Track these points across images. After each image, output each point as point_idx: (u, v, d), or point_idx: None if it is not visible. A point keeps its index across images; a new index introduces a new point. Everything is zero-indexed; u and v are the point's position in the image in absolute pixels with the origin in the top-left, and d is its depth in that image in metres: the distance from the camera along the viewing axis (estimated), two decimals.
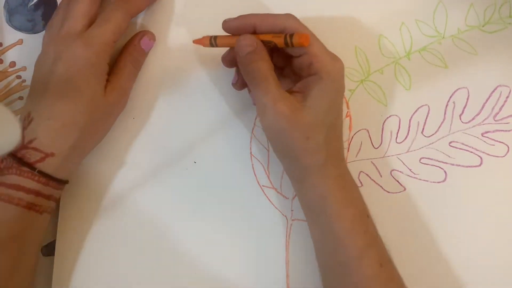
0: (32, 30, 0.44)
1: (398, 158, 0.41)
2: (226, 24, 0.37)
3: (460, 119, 0.41)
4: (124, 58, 0.39)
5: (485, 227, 0.40)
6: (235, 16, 0.37)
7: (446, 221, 0.40)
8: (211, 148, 0.42)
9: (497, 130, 0.41)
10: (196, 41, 0.39)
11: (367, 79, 0.42)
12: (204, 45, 0.39)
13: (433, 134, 0.41)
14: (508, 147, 0.41)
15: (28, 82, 0.43)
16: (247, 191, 0.41)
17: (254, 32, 0.36)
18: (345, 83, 0.42)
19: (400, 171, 0.41)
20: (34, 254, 0.38)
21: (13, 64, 0.43)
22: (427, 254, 0.40)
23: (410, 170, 0.41)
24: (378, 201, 0.41)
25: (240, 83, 0.39)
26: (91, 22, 0.38)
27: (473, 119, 0.41)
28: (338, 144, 0.37)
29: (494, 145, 0.41)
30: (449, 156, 0.41)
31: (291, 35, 0.34)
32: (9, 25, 0.44)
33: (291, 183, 0.37)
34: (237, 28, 0.37)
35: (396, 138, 0.42)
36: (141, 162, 0.42)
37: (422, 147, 0.41)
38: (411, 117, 0.42)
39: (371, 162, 0.41)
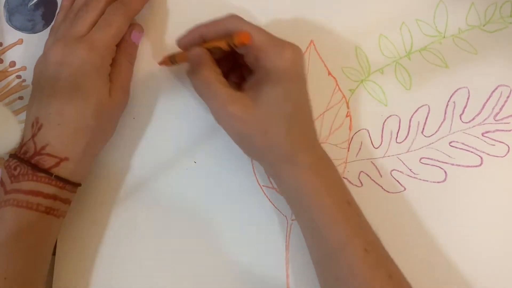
0: (32, 30, 0.44)
1: (398, 158, 0.41)
2: (178, 42, 0.39)
3: (461, 119, 0.41)
4: (120, 56, 0.40)
5: (486, 227, 0.40)
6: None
7: (446, 221, 0.40)
8: (211, 148, 0.42)
9: (497, 130, 0.41)
10: (161, 63, 0.41)
11: (367, 79, 0.42)
12: (168, 65, 0.40)
13: (433, 134, 0.41)
14: (508, 147, 0.41)
15: (28, 82, 0.43)
16: (247, 191, 0.41)
17: (205, 42, 0.37)
18: (345, 82, 0.42)
19: (400, 171, 0.41)
20: (49, 257, 0.38)
21: (13, 63, 0.43)
22: (427, 254, 0.40)
23: (410, 170, 0.41)
24: (378, 201, 0.41)
25: None
26: (93, 26, 0.38)
27: (473, 119, 0.41)
28: (306, 132, 0.36)
29: (494, 145, 0.41)
30: (449, 156, 0.41)
31: (232, 37, 0.34)
32: (9, 24, 0.44)
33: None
34: (188, 43, 0.38)
35: (396, 138, 0.41)
36: (141, 162, 0.42)
37: (422, 147, 0.41)
38: (411, 117, 0.41)
39: (371, 162, 0.41)
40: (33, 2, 0.44)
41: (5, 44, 0.44)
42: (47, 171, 0.35)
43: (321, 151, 0.36)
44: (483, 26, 0.42)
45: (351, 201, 0.35)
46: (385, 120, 0.42)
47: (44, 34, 0.43)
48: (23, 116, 0.42)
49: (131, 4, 0.39)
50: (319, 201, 0.34)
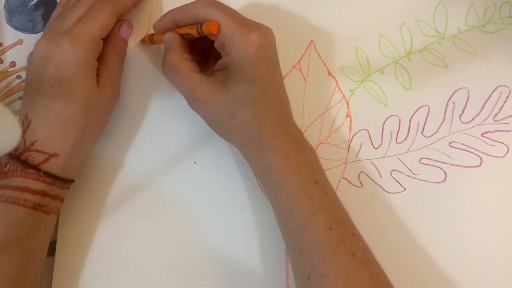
0: (32, 30, 0.44)
1: (398, 158, 0.41)
2: (154, 26, 0.39)
3: (460, 119, 0.41)
4: (109, 50, 0.39)
5: (485, 227, 0.40)
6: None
7: (446, 221, 0.40)
8: (211, 148, 0.42)
9: (497, 131, 0.41)
10: (141, 41, 0.42)
11: (368, 79, 0.42)
12: (147, 44, 0.42)
13: (433, 134, 0.41)
14: (508, 147, 0.41)
15: None
16: (247, 191, 0.41)
17: (178, 27, 0.38)
18: (345, 83, 0.42)
19: (400, 171, 0.41)
20: (42, 255, 0.38)
21: (13, 64, 0.43)
22: (427, 255, 0.40)
23: (410, 170, 0.41)
24: (378, 201, 0.41)
25: None
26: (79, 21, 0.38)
27: (473, 119, 0.41)
28: (276, 115, 0.35)
29: (494, 145, 0.41)
30: (449, 157, 0.41)
31: (201, 25, 0.35)
32: (9, 25, 0.44)
33: None
34: (163, 27, 0.39)
35: (396, 138, 0.42)
36: (142, 163, 0.42)
37: (422, 147, 0.41)
38: (411, 117, 0.42)
39: (371, 162, 0.41)
40: (33, 2, 0.44)
41: (5, 45, 0.44)
42: (35, 167, 0.35)
43: (294, 133, 0.36)
44: (483, 26, 0.42)
45: (321, 181, 0.36)
46: (385, 120, 0.42)
47: None
48: None
49: (118, 0, 0.39)
50: (285, 180, 0.35)
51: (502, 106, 0.41)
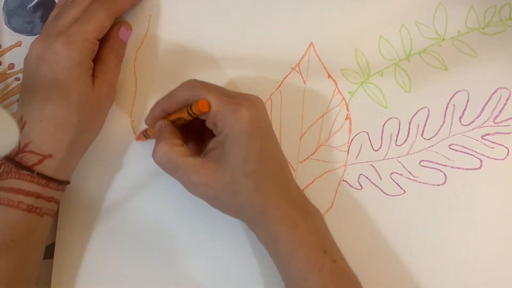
0: (30, 32, 0.44)
1: (398, 161, 0.41)
2: (145, 121, 0.39)
3: (460, 121, 0.41)
4: (106, 52, 0.39)
5: (485, 230, 0.40)
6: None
7: (446, 223, 0.40)
8: None
9: (497, 133, 0.41)
10: (137, 138, 0.41)
11: (367, 81, 0.42)
12: (143, 140, 0.41)
13: (433, 137, 0.41)
14: (508, 149, 0.41)
15: None
16: None
17: (169, 115, 0.37)
18: (345, 85, 0.42)
19: (400, 174, 0.41)
20: (37, 258, 0.38)
21: (11, 66, 0.43)
22: (427, 257, 0.40)
23: (410, 172, 0.41)
24: (378, 203, 0.41)
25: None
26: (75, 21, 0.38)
27: (473, 121, 0.41)
28: (278, 183, 0.35)
29: (494, 147, 0.41)
30: (449, 159, 0.41)
31: (191, 106, 0.34)
32: (7, 27, 0.44)
33: None
34: (154, 119, 0.37)
35: (396, 140, 0.41)
36: (141, 164, 0.42)
37: (422, 150, 0.41)
38: (411, 119, 0.41)
39: (371, 164, 0.41)
40: (32, 4, 0.44)
41: (4, 46, 0.43)
42: (29, 169, 0.35)
43: (298, 198, 0.36)
44: (483, 29, 0.42)
45: (329, 248, 0.35)
46: (385, 122, 0.42)
47: None
48: None
49: (115, 1, 0.39)
50: (292, 252, 0.34)
51: (502, 108, 0.41)
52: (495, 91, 0.41)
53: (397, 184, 0.41)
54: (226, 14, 0.42)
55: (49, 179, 0.36)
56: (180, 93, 0.36)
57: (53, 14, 0.41)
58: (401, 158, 0.41)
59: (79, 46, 0.36)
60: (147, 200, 0.41)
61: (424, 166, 0.41)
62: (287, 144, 0.41)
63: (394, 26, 0.42)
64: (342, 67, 0.42)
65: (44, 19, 0.44)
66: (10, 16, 0.44)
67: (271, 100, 0.42)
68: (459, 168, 0.41)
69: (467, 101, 0.41)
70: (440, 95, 0.41)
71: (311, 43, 0.42)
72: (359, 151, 0.41)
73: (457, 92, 0.41)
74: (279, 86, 0.42)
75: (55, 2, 0.44)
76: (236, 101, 0.34)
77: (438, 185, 0.41)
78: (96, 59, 0.39)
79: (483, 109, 0.41)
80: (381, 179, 0.41)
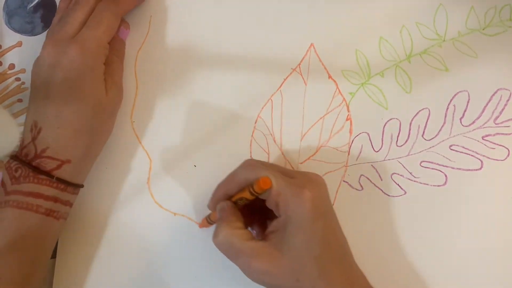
0: (31, 32, 0.44)
1: (399, 162, 0.41)
2: (209, 206, 0.38)
3: (461, 122, 0.41)
4: (109, 54, 0.39)
5: (486, 231, 0.40)
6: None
7: (447, 224, 0.40)
8: (211, 152, 0.41)
9: (497, 134, 0.41)
10: (201, 226, 0.41)
11: (368, 82, 0.42)
12: (207, 226, 0.40)
13: (434, 138, 0.41)
14: (508, 150, 0.41)
15: (27, 85, 0.43)
16: None
17: (231, 196, 0.36)
18: (346, 86, 0.42)
19: (401, 175, 0.41)
20: (47, 260, 0.38)
21: (12, 66, 0.43)
22: (428, 257, 0.40)
23: (410, 173, 0.41)
24: (379, 204, 0.41)
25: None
26: (83, 25, 0.38)
27: (473, 122, 0.41)
28: (339, 266, 0.34)
29: (494, 148, 0.41)
30: (450, 160, 0.41)
31: (252, 185, 0.33)
32: (8, 27, 0.44)
33: None
34: (216, 202, 0.37)
35: (397, 141, 0.41)
36: (141, 166, 0.42)
37: (423, 151, 0.41)
38: (412, 120, 0.41)
39: (372, 165, 0.41)
40: (32, 4, 0.44)
41: (4, 47, 0.43)
42: (48, 173, 0.35)
43: (361, 282, 0.35)
44: (483, 29, 0.42)
45: None
46: (386, 123, 0.41)
47: (43, 36, 0.43)
48: (22, 118, 0.42)
49: (120, 2, 0.39)
50: None
51: (503, 109, 0.41)
52: (496, 92, 0.41)
53: (398, 185, 0.41)
54: (227, 15, 0.42)
55: (67, 183, 0.36)
56: (240, 173, 0.35)
57: (56, 18, 0.40)
58: (402, 159, 0.41)
59: (94, 52, 0.37)
60: (149, 200, 0.41)
61: (425, 167, 0.41)
62: (287, 145, 0.41)
63: (395, 27, 0.42)
64: (343, 67, 0.42)
65: (44, 19, 0.44)
66: (10, 16, 0.44)
67: (271, 101, 0.42)
68: (459, 169, 0.41)
69: (468, 102, 0.41)
70: (440, 95, 0.41)
71: (311, 44, 0.42)
72: (360, 152, 0.41)
73: (457, 93, 0.41)
74: (280, 87, 0.42)
75: (55, 2, 0.44)
76: (299, 182, 0.33)
77: (438, 186, 0.41)
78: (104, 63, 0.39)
79: (483, 110, 0.41)
80: (381, 180, 0.41)
